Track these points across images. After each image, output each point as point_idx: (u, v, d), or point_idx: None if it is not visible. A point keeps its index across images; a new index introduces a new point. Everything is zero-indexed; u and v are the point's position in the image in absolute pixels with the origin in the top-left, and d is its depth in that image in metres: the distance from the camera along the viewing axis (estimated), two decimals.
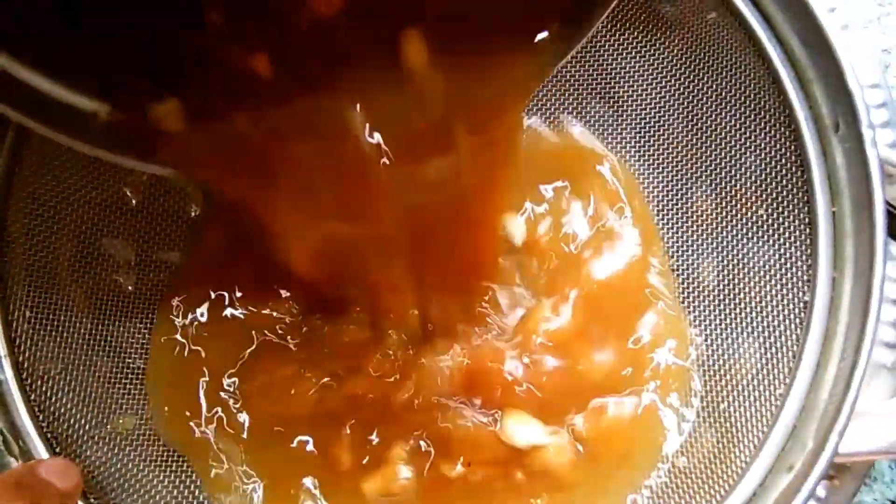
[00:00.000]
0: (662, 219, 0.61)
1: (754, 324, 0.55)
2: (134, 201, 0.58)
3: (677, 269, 0.60)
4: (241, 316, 0.57)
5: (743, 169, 0.57)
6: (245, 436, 0.55)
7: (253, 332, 0.56)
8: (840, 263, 0.50)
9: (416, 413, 0.54)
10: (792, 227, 0.53)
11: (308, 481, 0.54)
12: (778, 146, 0.54)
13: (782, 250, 0.54)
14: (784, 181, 0.54)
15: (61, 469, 0.43)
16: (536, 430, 0.54)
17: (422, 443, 0.54)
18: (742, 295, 0.56)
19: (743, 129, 0.56)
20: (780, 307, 0.53)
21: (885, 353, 0.57)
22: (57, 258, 0.54)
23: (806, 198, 0.52)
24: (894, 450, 0.48)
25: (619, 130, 0.63)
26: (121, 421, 0.55)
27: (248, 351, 0.56)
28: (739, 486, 0.49)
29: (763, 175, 0.55)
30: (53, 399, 0.52)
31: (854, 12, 0.63)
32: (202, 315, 0.57)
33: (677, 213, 0.61)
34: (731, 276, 0.57)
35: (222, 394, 0.56)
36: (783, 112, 0.53)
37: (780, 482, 0.48)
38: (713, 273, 0.58)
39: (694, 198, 0.60)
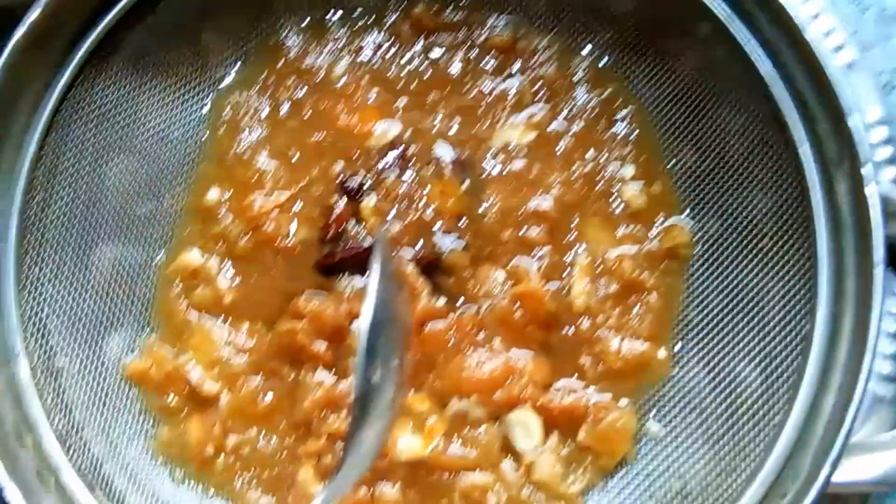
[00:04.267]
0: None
1: (754, 352, 0.55)
2: None
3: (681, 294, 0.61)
4: None
5: (747, 200, 0.58)
6: None
7: None
8: (841, 297, 0.51)
9: None
10: (794, 260, 0.54)
11: None
12: (781, 181, 0.55)
13: (784, 282, 0.55)
14: (786, 215, 0.55)
15: None
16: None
17: None
18: (742, 323, 0.57)
19: (747, 164, 0.58)
20: (781, 337, 0.54)
21: (885, 386, 0.58)
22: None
23: (808, 232, 0.53)
24: (889, 481, 0.49)
25: None
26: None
27: None
28: None
29: (766, 208, 0.56)
30: (65, 394, 0.54)
31: (861, 52, 0.64)
32: None
33: None
34: (733, 304, 0.58)
35: None
36: (787, 148, 0.54)
37: None
38: (715, 300, 0.59)
39: (700, 224, 0.61)
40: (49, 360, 0.54)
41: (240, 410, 0.57)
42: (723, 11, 0.55)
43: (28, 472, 0.49)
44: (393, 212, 0.59)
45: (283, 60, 0.63)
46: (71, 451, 0.52)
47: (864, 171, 0.49)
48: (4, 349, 0.52)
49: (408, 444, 0.55)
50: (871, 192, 0.49)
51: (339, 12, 0.64)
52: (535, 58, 0.63)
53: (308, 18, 0.64)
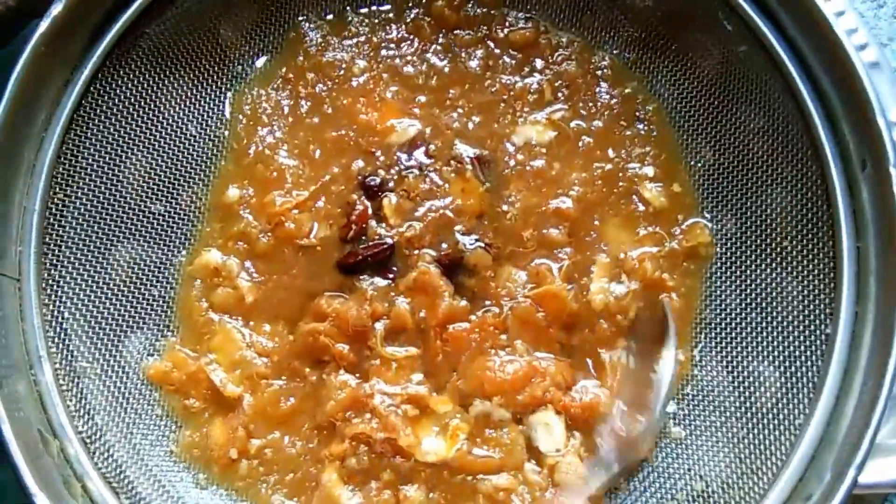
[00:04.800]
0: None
1: (775, 353, 0.56)
2: None
3: (700, 295, 0.61)
4: None
5: (769, 200, 0.58)
6: None
7: None
8: (863, 298, 0.51)
9: None
10: (816, 261, 0.54)
11: None
12: (805, 180, 0.55)
13: (806, 282, 0.55)
14: (810, 215, 0.55)
15: None
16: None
17: None
18: (764, 324, 0.57)
19: (770, 161, 0.57)
20: (802, 338, 0.54)
21: None
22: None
23: (831, 232, 0.53)
24: None
25: None
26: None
27: None
28: None
29: (789, 208, 0.56)
30: (89, 398, 0.53)
31: (885, 50, 0.64)
32: None
33: None
34: (753, 304, 0.58)
35: None
36: (811, 147, 0.54)
37: None
38: (736, 300, 0.59)
39: (720, 224, 0.61)
40: (70, 363, 0.53)
41: (263, 412, 0.57)
42: (747, 9, 0.55)
43: (55, 481, 0.48)
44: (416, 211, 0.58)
45: (302, 55, 0.62)
46: (95, 457, 0.52)
47: (890, 170, 0.48)
48: (28, 353, 0.51)
49: (432, 446, 0.55)
50: None
51: (360, 6, 0.63)
52: (556, 54, 0.62)
53: (328, 12, 0.63)
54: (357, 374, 0.57)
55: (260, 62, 0.63)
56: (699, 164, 0.61)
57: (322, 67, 0.62)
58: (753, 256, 0.58)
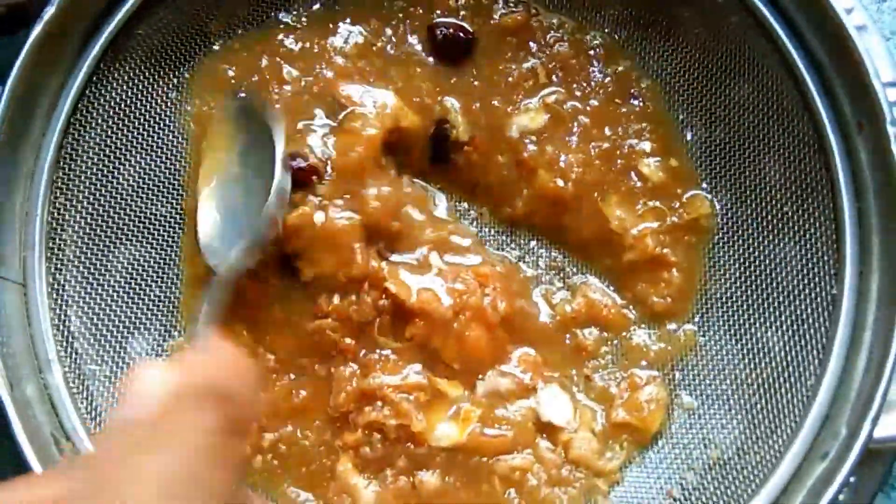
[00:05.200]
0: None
1: (782, 318, 0.56)
2: None
3: (705, 265, 0.61)
4: None
5: (767, 168, 0.58)
6: None
7: None
8: (867, 257, 0.51)
9: None
10: (818, 224, 0.54)
11: None
12: (801, 145, 0.55)
13: (808, 245, 0.55)
14: (809, 179, 0.55)
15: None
16: None
17: None
18: (770, 289, 0.57)
19: (766, 129, 0.58)
20: (808, 300, 0.54)
21: None
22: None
23: (831, 195, 0.53)
24: None
25: None
26: None
27: None
28: (774, 475, 0.51)
29: (787, 173, 0.56)
30: (100, 399, 0.53)
31: (870, 12, 0.65)
32: None
33: None
34: (757, 272, 0.58)
35: None
36: (806, 112, 0.54)
37: (815, 469, 0.49)
38: (740, 269, 0.59)
39: (720, 195, 0.61)
40: (79, 366, 0.53)
41: (274, 408, 0.57)
42: None
43: None
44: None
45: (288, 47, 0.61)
46: None
47: (887, 129, 0.49)
48: (37, 357, 0.51)
49: (445, 431, 0.55)
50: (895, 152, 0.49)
51: None
52: (549, 36, 0.62)
53: (318, 5, 0.63)
54: (364, 364, 0.57)
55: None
56: (696, 137, 0.62)
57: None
58: (755, 224, 0.59)
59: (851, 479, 0.51)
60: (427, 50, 0.61)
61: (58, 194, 0.54)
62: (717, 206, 0.61)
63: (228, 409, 0.33)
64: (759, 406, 0.55)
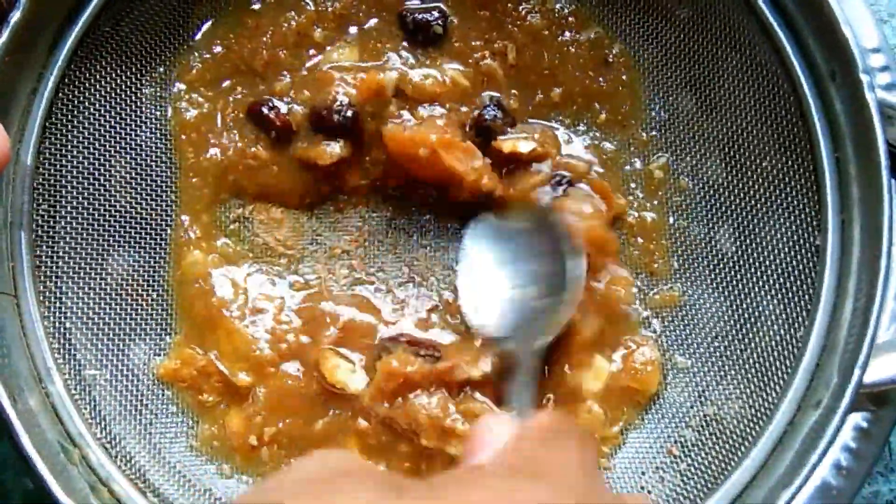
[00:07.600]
0: (673, 174, 0.63)
1: (768, 272, 0.57)
2: None
3: (688, 225, 0.62)
4: None
5: (744, 123, 0.58)
6: None
7: None
8: (847, 205, 0.52)
9: None
10: (797, 176, 0.55)
11: None
12: (777, 98, 0.55)
13: (789, 199, 0.56)
14: (785, 132, 0.55)
15: None
16: None
17: None
18: (752, 247, 0.58)
19: (741, 85, 0.58)
20: (793, 253, 0.55)
21: None
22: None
23: (809, 146, 0.54)
24: None
25: None
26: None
27: None
28: (769, 426, 0.52)
29: (764, 128, 0.57)
30: (103, 404, 0.54)
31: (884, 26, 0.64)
32: None
33: None
34: (740, 228, 0.59)
35: None
36: (780, 65, 0.54)
37: (809, 418, 0.50)
38: (723, 226, 0.60)
39: (698, 154, 0.61)
40: (79, 373, 0.54)
41: (278, 397, 0.57)
42: None
43: (83, 490, 0.49)
44: None
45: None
46: (118, 461, 0.52)
47: (860, 77, 0.49)
48: (36, 367, 0.51)
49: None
50: (870, 100, 0.49)
51: None
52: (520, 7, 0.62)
53: None
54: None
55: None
56: (671, 96, 0.62)
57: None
58: (736, 179, 0.59)
59: (865, 425, 0.53)
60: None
61: (40, 201, 0.54)
62: (696, 172, 0.61)
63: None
64: (750, 360, 0.56)
